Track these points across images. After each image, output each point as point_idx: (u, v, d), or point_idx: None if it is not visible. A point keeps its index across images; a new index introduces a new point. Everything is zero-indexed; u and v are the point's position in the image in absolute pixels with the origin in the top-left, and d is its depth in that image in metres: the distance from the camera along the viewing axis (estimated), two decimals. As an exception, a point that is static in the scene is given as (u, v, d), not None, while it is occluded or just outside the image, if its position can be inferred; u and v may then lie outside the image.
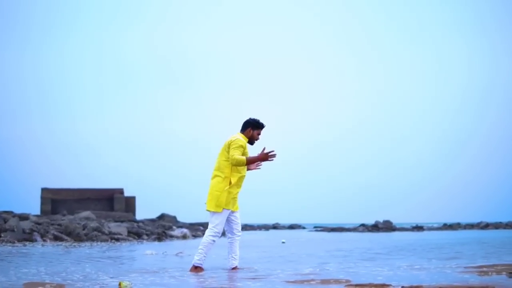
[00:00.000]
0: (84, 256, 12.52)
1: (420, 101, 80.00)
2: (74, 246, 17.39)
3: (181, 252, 13.81)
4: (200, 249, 8.55)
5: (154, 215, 47.52)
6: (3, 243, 17.69)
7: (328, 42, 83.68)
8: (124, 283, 6.75)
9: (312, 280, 7.39)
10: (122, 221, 30.15)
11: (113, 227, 24.23)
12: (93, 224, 22.92)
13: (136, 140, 74.48)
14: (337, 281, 7.23)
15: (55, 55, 71.61)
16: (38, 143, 68.30)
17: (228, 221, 8.79)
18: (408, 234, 32.65)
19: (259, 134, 8.85)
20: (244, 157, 8.48)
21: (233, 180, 8.60)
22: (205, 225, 45.39)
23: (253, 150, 8.87)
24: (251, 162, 8.57)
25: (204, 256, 8.57)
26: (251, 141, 8.82)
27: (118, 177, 70.21)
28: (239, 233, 8.89)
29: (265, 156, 8.53)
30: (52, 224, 22.69)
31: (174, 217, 47.38)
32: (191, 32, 79.74)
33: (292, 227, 59.01)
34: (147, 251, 14.32)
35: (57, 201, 46.07)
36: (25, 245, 17.09)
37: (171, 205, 71.60)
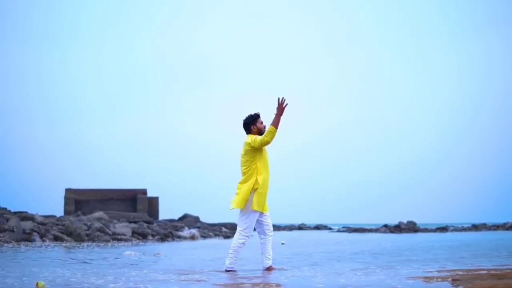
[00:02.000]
0: (50, 257, 12.45)
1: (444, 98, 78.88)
2: (66, 247, 17.38)
3: (158, 253, 13.72)
4: (230, 253, 8.59)
5: (177, 215, 47.69)
6: (0, 242, 17.75)
7: (324, 39, 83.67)
8: (41, 284, 6.68)
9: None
10: (135, 222, 30.23)
11: (119, 227, 24.24)
12: (97, 225, 22.95)
13: (160, 141, 74.90)
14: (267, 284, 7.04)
15: (77, 56, 72.30)
16: (64, 145, 69.00)
17: (259, 222, 8.77)
18: (425, 236, 32.17)
19: (261, 123, 8.84)
20: (269, 127, 8.47)
21: (260, 180, 8.59)
22: (227, 226, 45.39)
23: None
24: (277, 123, 8.48)
25: (235, 259, 8.60)
26: (261, 133, 8.77)
27: (141, 178, 70.62)
28: (271, 233, 8.84)
29: (281, 108, 8.49)
30: (57, 225, 22.75)
31: (197, 218, 47.41)
32: (200, 33, 79.92)
33: (317, 227, 58.67)
34: (126, 252, 14.25)
35: (80, 201, 46.44)
36: (15, 246, 17.09)
37: (194, 206, 71.82)
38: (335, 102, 79.33)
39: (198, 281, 7.44)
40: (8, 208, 28.18)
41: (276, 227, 57.51)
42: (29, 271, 8.64)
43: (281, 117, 8.51)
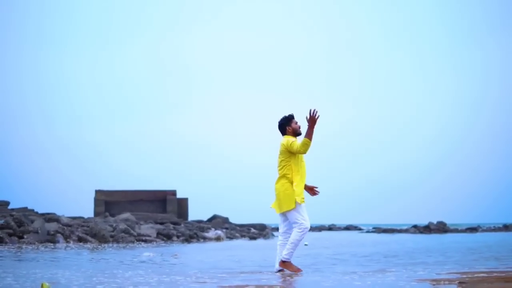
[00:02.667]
0: (63, 258, 12.55)
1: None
2: (88, 248, 17.51)
3: (176, 255, 13.78)
4: (289, 245, 8.69)
5: (207, 216, 47.81)
6: (24, 244, 17.95)
7: (325, 42, 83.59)
8: (46, 285, 6.72)
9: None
10: (162, 223, 30.38)
11: (144, 229, 24.40)
12: (122, 226, 23.12)
13: (190, 141, 75.22)
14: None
15: (89, 56, 72.89)
16: (92, 147, 69.62)
17: (290, 223, 8.85)
18: (452, 236, 31.85)
19: (296, 123, 8.98)
20: (303, 140, 8.62)
21: (295, 180, 8.73)
22: (256, 227, 45.36)
23: (314, 152, 9.04)
24: (311, 135, 8.63)
25: (292, 252, 8.73)
26: (297, 133, 8.94)
27: (171, 179, 70.94)
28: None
29: (313, 120, 8.62)
30: (82, 226, 22.96)
31: (226, 218, 47.45)
32: (200, 33, 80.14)
33: (347, 228, 58.39)
34: (145, 253, 14.34)
35: (110, 202, 46.76)
36: (36, 247, 17.25)
37: (224, 206, 72.03)
38: (345, 104, 79.06)
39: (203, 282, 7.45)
40: (35, 210, 28.59)
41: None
42: (26, 272, 8.74)
43: (314, 129, 8.65)
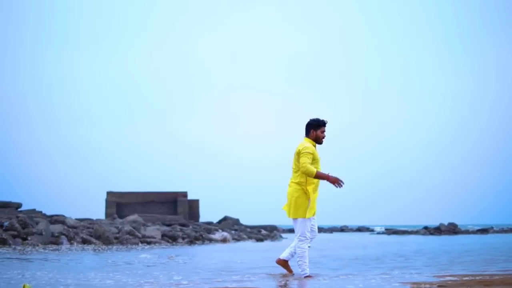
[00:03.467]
0: (55, 260, 12.63)
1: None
2: (90, 249, 17.58)
3: (171, 256, 13.82)
4: (299, 261, 8.69)
5: (218, 217, 47.90)
6: (27, 246, 18.05)
7: (324, 41, 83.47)
8: (27, 286, 6.79)
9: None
10: (170, 225, 30.48)
11: (149, 230, 24.47)
12: (127, 228, 23.22)
13: (201, 143, 75.34)
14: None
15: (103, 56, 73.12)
16: (110, 148, 69.97)
17: None
18: (460, 238, 31.65)
19: (323, 132, 8.84)
20: (314, 170, 8.49)
21: (310, 189, 8.64)
22: (267, 228, 45.39)
23: (322, 149, 8.98)
24: (319, 177, 8.57)
25: (306, 265, 8.67)
26: (318, 141, 8.84)
27: (183, 181, 71.21)
28: (314, 237, 8.98)
29: (335, 180, 8.51)
30: (88, 228, 23.06)
31: (237, 220, 47.53)
32: (201, 32, 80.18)
33: (359, 229, 58.14)
34: (142, 255, 14.41)
35: (121, 204, 46.97)
36: (38, 249, 17.35)
37: (235, 208, 72.22)
38: (344, 105, 78.91)
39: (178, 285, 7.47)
40: (44, 212, 28.72)
41: (319, 229, 57.26)
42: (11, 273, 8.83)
43: (325, 180, 8.56)
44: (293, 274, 9.04)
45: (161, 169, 66.40)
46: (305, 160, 8.50)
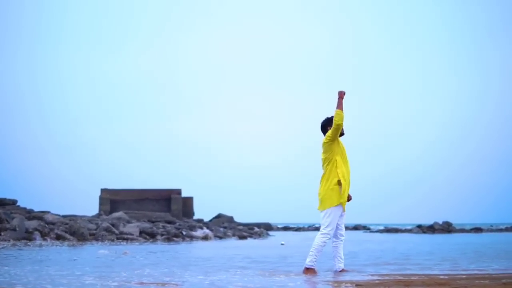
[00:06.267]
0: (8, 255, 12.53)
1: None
2: (54, 245, 17.49)
3: (126, 252, 13.75)
4: (311, 251, 8.67)
5: (212, 215, 47.88)
6: (-4, 242, 18.00)
7: (328, 40, 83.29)
8: None
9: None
10: (156, 221, 30.35)
11: (129, 227, 24.36)
12: (104, 224, 23.13)
13: (195, 142, 75.37)
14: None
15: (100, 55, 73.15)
16: (105, 146, 70.02)
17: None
18: (450, 237, 31.47)
19: None
20: (336, 111, 8.59)
21: (340, 173, 8.64)
22: (260, 226, 45.29)
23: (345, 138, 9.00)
24: (341, 105, 8.63)
25: (315, 258, 8.62)
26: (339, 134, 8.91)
27: (178, 179, 71.25)
28: (343, 237, 8.91)
29: (340, 93, 8.68)
30: (65, 224, 22.99)
31: (231, 217, 47.47)
32: (200, 31, 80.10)
33: (356, 228, 57.91)
34: (100, 250, 14.35)
35: (115, 201, 46.89)
36: (7, 245, 17.28)
37: (230, 206, 72.29)
38: (352, 103, 78.62)
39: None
40: (36, 209, 28.60)
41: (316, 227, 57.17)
42: None
43: (343, 100, 8.65)
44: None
45: (157, 167, 66.49)
46: (331, 129, 8.66)
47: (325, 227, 8.58)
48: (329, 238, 8.64)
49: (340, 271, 8.81)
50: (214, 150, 76.14)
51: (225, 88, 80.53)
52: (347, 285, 7.47)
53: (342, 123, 8.57)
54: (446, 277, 8.21)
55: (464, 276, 8.24)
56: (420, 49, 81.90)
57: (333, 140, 8.66)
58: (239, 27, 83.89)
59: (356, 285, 7.46)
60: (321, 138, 8.94)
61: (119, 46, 78.03)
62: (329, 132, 8.68)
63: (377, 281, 7.77)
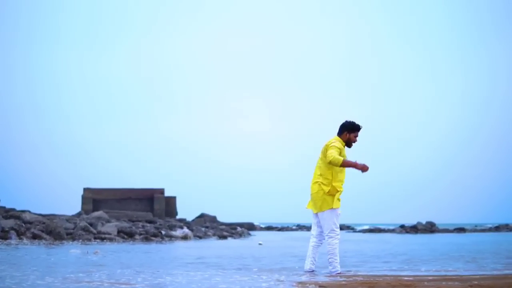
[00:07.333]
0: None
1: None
2: (26, 244, 17.27)
3: (96, 251, 13.60)
4: (330, 258, 8.60)
5: (195, 215, 47.72)
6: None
7: (332, 42, 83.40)
8: None
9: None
10: (136, 221, 30.15)
11: (107, 226, 24.12)
12: (82, 224, 22.89)
13: (179, 141, 75.22)
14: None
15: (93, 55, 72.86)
16: (88, 145, 69.70)
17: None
18: (429, 237, 31.45)
19: (356, 136, 8.76)
20: (341, 158, 8.40)
21: (337, 186, 8.58)
22: (244, 225, 45.14)
23: (351, 153, 8.90)
24: (347, 165, 8.47)
25: (337, 261, 8.58)
26: (349, 144, 8.78)
27: (161, 179, 71.11)
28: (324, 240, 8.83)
29: (363, 167, 8.41)
30: (43, 223, 22.73)
31: (214, 217, 47.33)
32: (197, 31, 79.99)
33: (340, 228, 57.70)
34: (72, 250, 14.21)
35: (98, 200, 46.64)
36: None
37: (214, 205, 72.22)
38: (348, 105, 78.71)
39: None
40: (13, 207, 28.30)
41: (301, 227, 57.11)
42: None
43: (352, 168, 8.48)
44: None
45: (140, 167, 66.18)
46: (332, 152, 8.42)
47: (332, 230, 8.64)
48: (339, 237, 8.69)
49: (311, 271, 8.76)
50: (198, 150, 75.92)
51: (209, 88, 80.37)
52: (311, 286, 7.33)
53: (331, 163, 8.40)
54: (412, 278, 8.07)
55: (430, 278, 8.10)
56: (426, 50, 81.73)
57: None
58: (226, 28, 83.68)
59: (320, 286, 7.32)
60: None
61: (112, 46, 77.68)
62: (329, 148, 8.52)
63: (343, 282, 7.63)
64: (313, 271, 8.78)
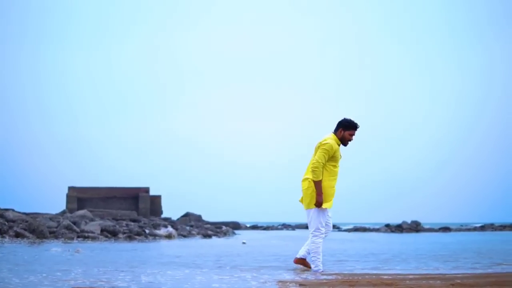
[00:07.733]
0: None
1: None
2: (8, 242, 17.10)
3: (78, 250, 13.47)
4: (313, 257, 8.57)
5: (180, 214, 47.57)
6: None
7: (328, 40, 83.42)
8: None
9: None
10: (121, 219, 30.02)
11: (90, 225, 23.96)
12: (65, 222, 22.72)
13: (165, 140, 75.07)
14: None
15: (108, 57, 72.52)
16: (63, 145, 69.48)
17: None
18: (414, 236, 31.47)
19: (351, 134, 8.67)
20: (320, 177, 8.36)
21: (328, 185, 8.49)
22: (229, 224, 45.04)
23: (346, 151, 8.84)
24: (316, 187, 8.38)
25: (319, 260, 8.54)
26: (343, 142, 8.67)
27: (145, 177, 70.97)
28: (326, 234, 8.80)
29: (319, 204, 8.40)
30: (26, 222, 22.54)
31: (199, 216, 47.22)
32: (196, 29, 79.91)
33: (326, 227, 57.74)
34: (53, 248, 14.08)
35: (83, 199, 46.45)
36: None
37: (199, 205, 72.24)
38: (339, 105, 78.80)
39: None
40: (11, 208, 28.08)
41: (286, 226, 57.08)
42: None
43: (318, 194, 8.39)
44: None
45: (125, 165, 66.01)
46: (320, 158, 8.37)
47: (316, 229, 8.59)
48: (324, 235, 8.66)
49: (301, 259, 8.90)
50: (184, 149, 75.84)
51: (195, 87, 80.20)
52: (291, 284, 7.25)
53: (313, 174, 8.38)
54: (393, 277, 8.01)
55: (411, 277, 8.04)
56: (422, 49, 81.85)
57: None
58: (232, 26, 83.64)
59: (300, 284, 7.25)
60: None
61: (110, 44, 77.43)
62: (319, 151, 8.44)
63: (324, 281, 7.56)
64: (303, 259, 8.90)
